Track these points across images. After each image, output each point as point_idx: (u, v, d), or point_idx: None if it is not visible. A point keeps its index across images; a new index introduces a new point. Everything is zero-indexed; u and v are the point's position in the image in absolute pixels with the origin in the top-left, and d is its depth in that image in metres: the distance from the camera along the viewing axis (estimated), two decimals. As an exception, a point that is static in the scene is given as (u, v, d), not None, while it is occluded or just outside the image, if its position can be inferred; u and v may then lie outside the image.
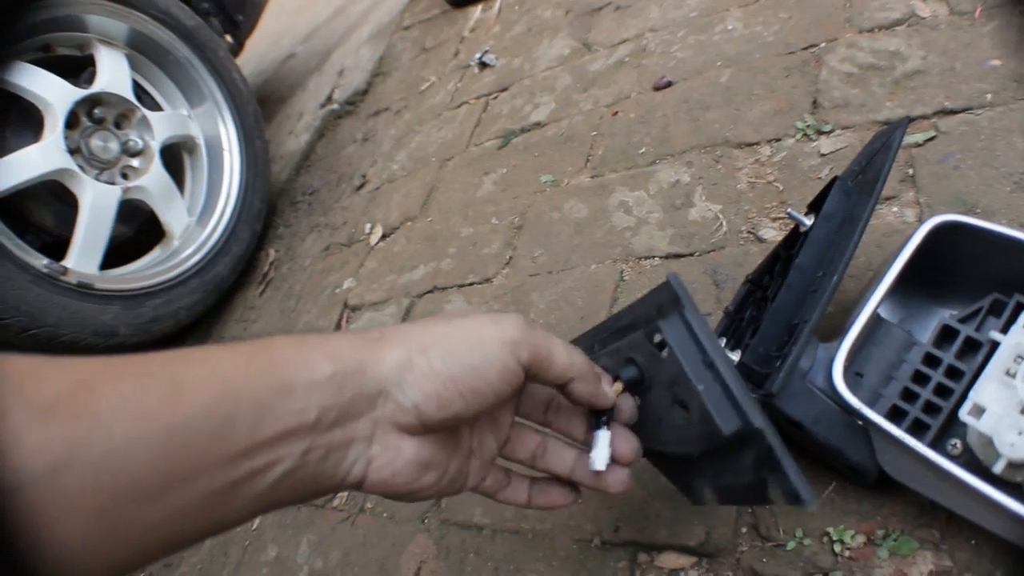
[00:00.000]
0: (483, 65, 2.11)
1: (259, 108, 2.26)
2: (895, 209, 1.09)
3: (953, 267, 0.84)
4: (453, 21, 2.58)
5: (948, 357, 0.80)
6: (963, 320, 0.82)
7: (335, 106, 2.63)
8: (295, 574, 1.29)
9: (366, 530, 1.27)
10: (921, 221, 0.97)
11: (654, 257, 1.25)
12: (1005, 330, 0.77)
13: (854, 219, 0.80)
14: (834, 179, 0.85)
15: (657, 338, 0.65)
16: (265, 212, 2.20)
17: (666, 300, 0.63)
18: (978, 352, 0.79)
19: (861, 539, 0.84)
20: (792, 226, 0.91)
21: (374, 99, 2.52)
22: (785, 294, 0.82)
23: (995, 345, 0.77)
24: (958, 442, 0.78)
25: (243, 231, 2.10)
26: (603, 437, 0.67)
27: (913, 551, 0.82)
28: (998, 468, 0.70)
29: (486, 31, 2.31)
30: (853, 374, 0.82)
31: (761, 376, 0.79)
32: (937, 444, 0.78)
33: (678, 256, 1.23)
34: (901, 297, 0.89)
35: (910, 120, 1.15)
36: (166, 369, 0.46)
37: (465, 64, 2.20)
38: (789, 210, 0.85)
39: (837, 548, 0.85)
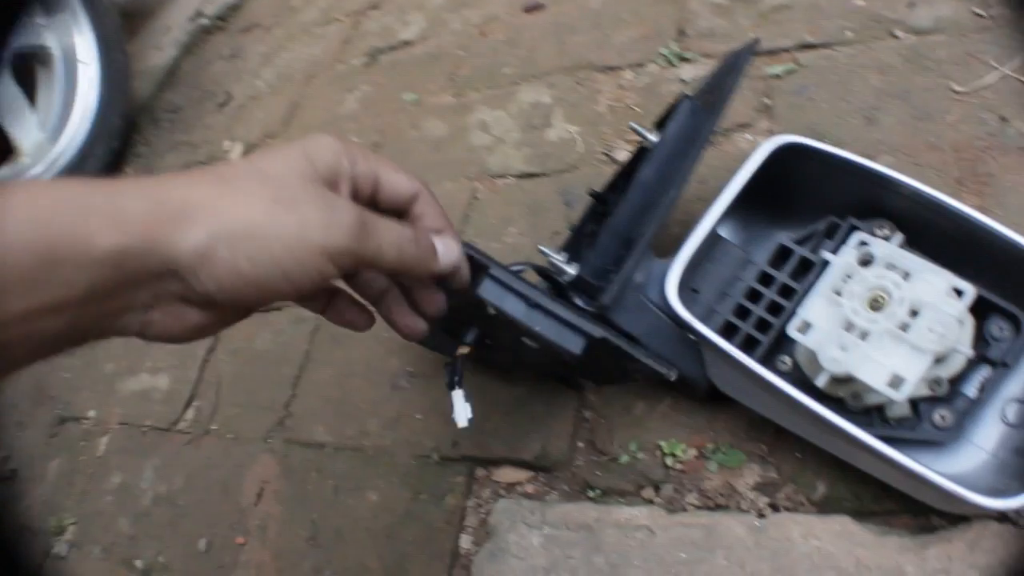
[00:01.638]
0: (357, -18, 2.05)
1: (121, 20, 2.13)
2: (748, 136, 1.10)
3: (794, 190, 0.86)
4: (329, -63, 2.49)
5: (782, 276, 0.81)
6: (800, 242, 0.83)
7: (204, 21, 2.50)
8: (139, 499, 1.26)
9: (210, 452, 1.25)
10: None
11: (508, 176, 1.25)
12: (837, 251, 0.78)
13: (698, 137, 0.80)
14: (681, 97, 0.84)
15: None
16: (124, 129, 2.08)
17: (475, 269, 0.65)
18: (811, 272, 0.80)
19: (692, 452, 0.87)
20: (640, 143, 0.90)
21: (246, 14, 2.41)
22: (624, 209, 0.81)
23: (827, 265, 0.78)
24: (788, 359, 0.80)
25: (99, 148, 1.98)
26: (457, 396, 0.72)
27: (740, 463, 0.84)
28: (821, 382, 0.72)
29: (362, -52, 2.23)
30: (689, 290, 0.83)
31: (596, 289, 0.79)
32: (768, 360, 0.80)
33: (532, 175, 1.22)
34: (745, 220, 0.90)
35: (772, 52, 1.16)
36: None
37: (340, -20, 2.12)
38: (633, 124, 0.84)
39: (669, 461, 0.87)
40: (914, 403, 0.75)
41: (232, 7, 2.48)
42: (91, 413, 1.45)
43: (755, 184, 0.82)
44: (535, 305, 0.67)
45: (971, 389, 0.76)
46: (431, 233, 0.59)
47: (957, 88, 1.05)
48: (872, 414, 0.75)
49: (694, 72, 1.23)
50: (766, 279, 0.82)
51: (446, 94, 1.49)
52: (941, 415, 0.74)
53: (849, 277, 0.75)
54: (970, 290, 0.71)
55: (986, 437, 0.75)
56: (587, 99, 1.29)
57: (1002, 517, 0.74)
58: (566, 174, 1.19)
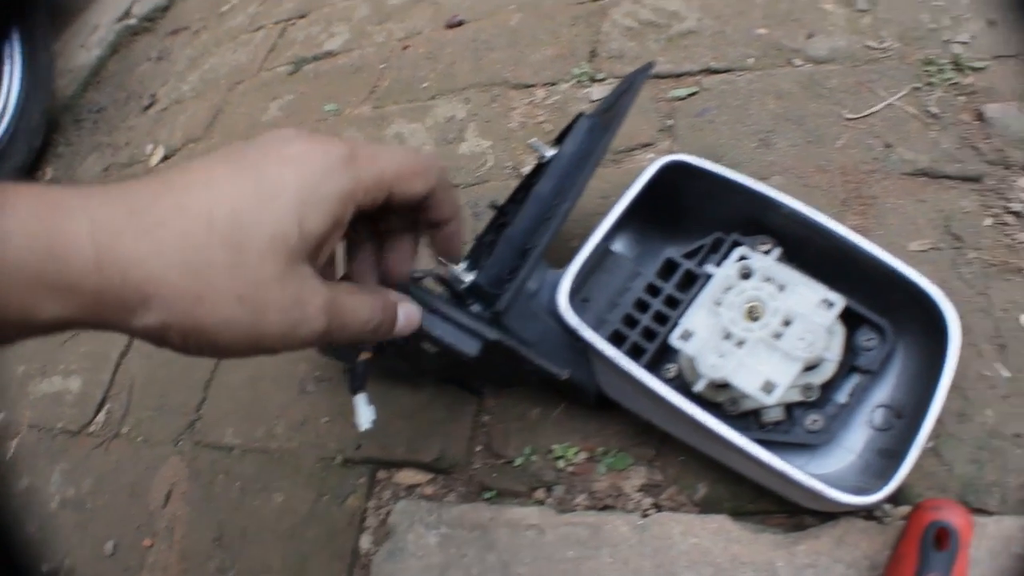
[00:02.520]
0: (286, -10, 2.06)
1: (48, 16, 2.11)
2: (650, 155, 1.15)
3: (683, 207, 0.90)
4: (263, -57, 2.49)
5: (668, 288, 0.85)
6: (688, 256, 0.87)
7: (133, 21, 2.49)
8: (46, 504, 1.25)
9: (119, 455, 1.24)
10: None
11: (421, 188, 1.26)
12: (720, 265, 0.83)
13: (593, 153, 0.84)
14: (579, 115, 0.89)
15: None
16: (46, 128, 2.07)
17: None
18: (696, 285, 0.84)
19: (583, 456, 0.90)
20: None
21: (174, 17, 2.40)
22: (520, 220, 0.85)
23: (710, 278, 0.82)
24: (672, 366, 0.84)
25: (19, 146, 1.96)
26: (360, 400, 0.71)
27: (628, 466, 0.87)
28: (699, 387, 0.76)
29: (295, -44, 2.25)
30: (581, 300, 0.86)
31: (492, 296, 0.82)
32: (653, 368, 0.83)
33: (444, 188, 1.24)
34: (639, 235, 0.94)
35: (677, 75, 1.21)
36: None
37: (269, -12, 2.14)
38: (531, 141, 0.88)
39: (560, 464, 0.90)
40: (788, 408, 0.80)
41: (161, 8, 2.47)
42: (1, 415, 1.44)
43: (646, 201, 0.86)
44: (432, 310, 0.71)
45: (842, 395, 0.81)
46: (394, 299, 0.58)
47: (848, 115, 1.11)
48: (749, 418, 0.80)
49: (603, 92, 1.27)
50: (654, 291, 0.87)
51: (366, 105, 1.51)
52: (813, 419, 0.79)
53: (729, 289, 0.80)
54: (839, 301, 0.77)
55: (854, 440, 0.81)
56: (500, 115, 1.33)
57: (868, 515, 0.79)
58: (476, 187, 1.23)
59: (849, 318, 0.81)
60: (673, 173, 0.87)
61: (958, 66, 1.13)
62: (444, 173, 0.57)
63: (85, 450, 1.29)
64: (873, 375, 0.81)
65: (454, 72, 1.46)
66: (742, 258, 0.82)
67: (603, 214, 0.84)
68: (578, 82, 1.31)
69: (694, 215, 0.91)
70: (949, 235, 0.97)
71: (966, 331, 0.86)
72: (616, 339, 0.84)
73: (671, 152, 1.12)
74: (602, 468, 0.89)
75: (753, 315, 0.78)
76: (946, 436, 0.82)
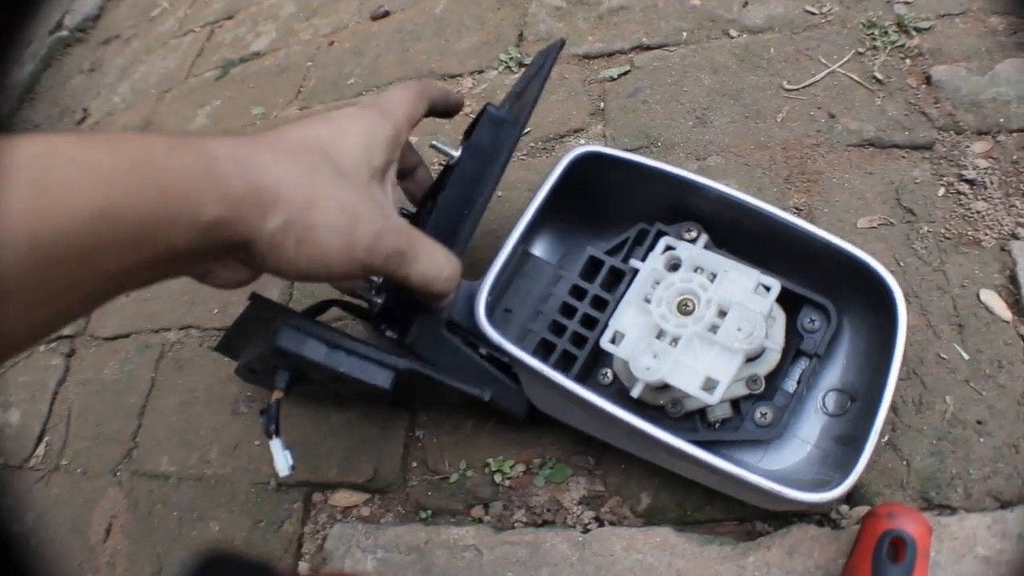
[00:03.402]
0: (214, -10, 2.00)
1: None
2: (582, 141, 1.10)
3: (603, 200, 0.85)
4: (193, -57, 2.43)
5: (594, 288, 0.80)
6: (610, 252, 0.82)
7: (65, 33, 2.42)
8: (-9, 543, 1.20)
9: (60, 488, 1.19)
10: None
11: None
12: (645, 258, 0.77)
13: (503, 149, 0.78)
14: (484, 107, 0.82)
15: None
16: (-20, 148, 2.00)
17: (269, 317, 0.71)
18: (623, 282, 0.79)
19: (520, 469, 0.85)
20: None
21: (106, 25, 2.33)
22: (428, 232, 0.79)
23: (636, 273, 0.77)
24: (608, 371, 0.79)
25: (-48, 168, 1.89)
26: (275, 445, 0.72)
27: (567, 478, 0.83)
28: (636, 392, 0.71)
29: (224, -46, 2.18)
30: (503, 310, 0.81)
31: (405, 321, 0.77)
32: (589, 375, 0.79)
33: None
34: (560, 234, 0.89)
35: (608, 55, 1.16)
36: (36, 164, 0.39)
37: (198, -11, 2.07)
38: (434, 143, 0.82)
39: (497, 478, 0.86)
40: (735, 403, 0.75)
41: (92, 18, 2.41)
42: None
43: (563, 197, 0.81)
44: (335, 346, 0.69)
45: (790, 383, 0.76)
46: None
47: (788, 86, 1.06)
48: (695, 418, 0.75)
49: (531, 78, 1.22)
50: (580, 292, 0.81)
51: (293, 106, 1.45)
52: (762, 412, 0.74)
53: (657, 283, 0.74)
54: (776, 285, 0.72)
55: (809, 429, 0.76)
56: (427, 108, 1.27)
57: (822, 519, 0.74)
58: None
59: (789, 300, 0.76)
60: (587, 165, 0.82)
61: (902, 27, 1.09)
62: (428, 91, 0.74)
63: (27, 484, 1.23)
64: (820, 358, 0.77)
65: (380, 66, 1.40)
66: (668, 248, 0.77)
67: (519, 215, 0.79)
68: (506, 67, 1.25)
69: (615, 207, 0.85)
70: (900, 208, 0.92)
71: (923, 312, 0.83)
72: (545, 349, 0.79)
73: (603, 136, 1.07)
74: (540, 481, 0.83)
75: (685, 309, 0.73)
76: (904, 428, 0.77)
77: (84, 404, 1.26)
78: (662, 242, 0.78)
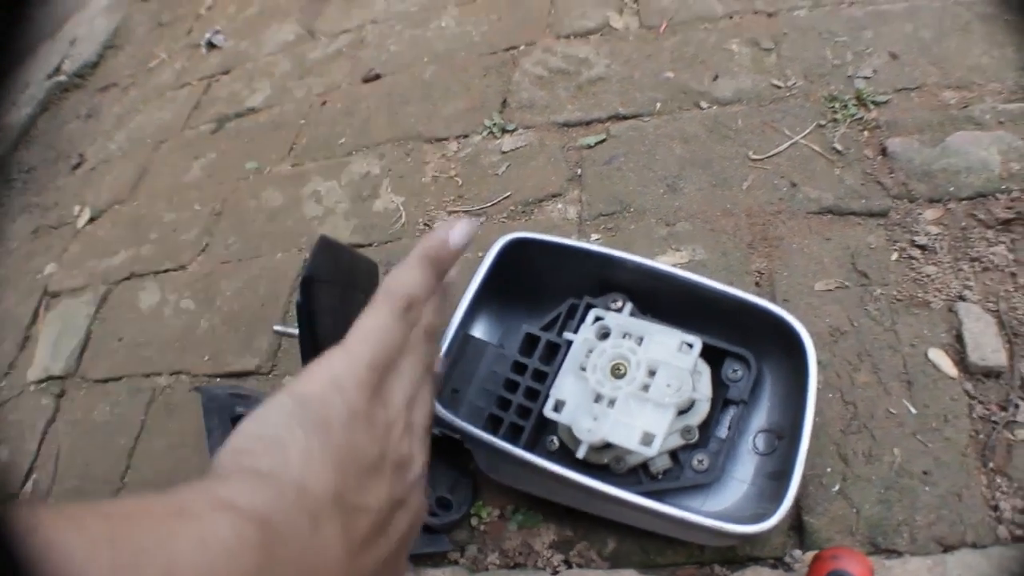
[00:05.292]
0: (211, 46, 2.05)
1: (-20, 76, 2.09)
2: (559, 206, 1.15)
3: (536, 281, 0.91)
4: (192, -3, 2.49)
5: (533, 362, 0.85)
6: (545, 327, 0.88)
7: (63, 78, 2.46)
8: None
9: (48, 526, 1.21)
10: (581, 218, 1.04)
11: (337, 247, 1.26)
12: (577, 330, 0.83)
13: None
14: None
15: None
16: (-25, 189, 2.04)
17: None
18: (559, 353, 0.84)
19: (495, 513, 0.89)
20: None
21: (104, 73, 2.38)
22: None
23: (570, 345, 0.83)
24: (555, 438, 0.83)
25: (-53, 210, 1.93)
26: None
27: (538, 523, 0.87)
28: (581, 453, 0.76)
29: (222, 10, 2.24)
30: (451, 391, 0.87)
31: None
32: (536, 443, 0.83)
33: (359, 246, 1.25)
34: (500, 315, 0.95)
35: (587, 123, 1.22)
36: None
37: (196, 43, 2.13)
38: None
39: (474, 522, 0.89)
40: (674, 454, 0.80)
41: (91, 64, 2.45)
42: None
43: (498, 281, 0.88)
44: None
45: (722, 430, 0.82)
46: None
47: (753, 156, 1.13)
48: (638, 472, 0.80)
49: (513, 143, 1.28)
50: (521, 368, 0.86)
51: (285, 163, 1.51)
52: (699, 460, 0.79)
53: (591, 351, 0.80)
54: (697, 342, 0.78)
55: (744, 470, 0.82)
56: (414, 170, 1.33)
57: (776, 562, 0.79)
58: (389, 244, 1.23)
59: (712, 354, 0.83)
60: (516, 250, 0.89)
61: (861, 101, 1.15)
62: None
63: (14, 524, 1.25)
64: (747, 404, 0.83)
65: (369, 127, 1.46)
66: (597, 319, 0.83)
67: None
68: (490, 133, 1.32)
69: (547, 286, 0.92)
70: (856, 272, 0.98)
71: (874, 369, 0.88)
72: (494, 423, 0.84)
73: (580, 201, 1.13)
74: (513, 525, 0.88)
75: (618, 372, 0.79)
76: (853, 478, 0.82)
77: (73, 444, 1.29)
78: (591, 314, 0.84)
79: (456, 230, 0.57)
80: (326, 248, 0.58)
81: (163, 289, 1.38)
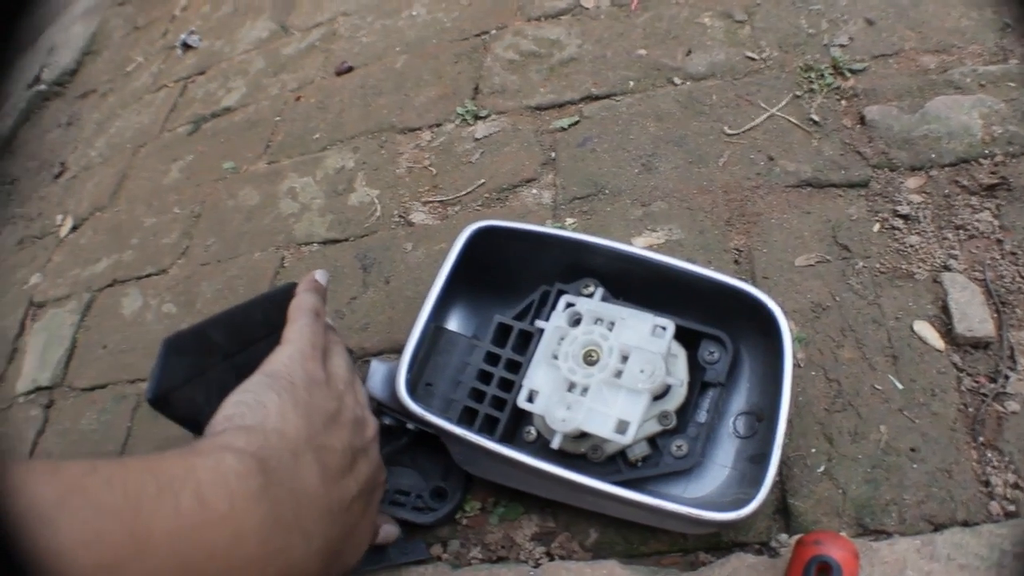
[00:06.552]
0: (186, 47, 2.04)
1: (-37, 88, 2.08)
2: (534, 191, 1.13)
3: (507, 269, 0.90)
4: (167, -2, 2.47)
5: (506, 352, 0.84)
6: (518, 316, 0.86)
7: (43, 87, 2.45)
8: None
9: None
10: (556, 202, 1.03)
11: (313, 243, 1.26)
12: (549, 317, 0.82)
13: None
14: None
15: None
16: (-39, 203, 2.03)
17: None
18: (531, 343, 0.83)
19: (477, 507, 0.88)
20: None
21: (83, 80, 2.37)
22: None
23: (542, 333, 0.82)
24: (532, 428, 0.82)
25: (-64, 223, 1.92)
26: None
27: (519, 515, 0.86)
28: (556, 443, 0.75)
29: (196, 10, 2.22)
30: (424, 385, 0.85)
31: None
32: (513, 436, 0.82)
33: (335, 241, 1.24)
34: (473, 307, 0.94)
35: (559, 105, 1.21)
36: None
37: (172, 45, 2.11)
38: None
39: (457, 516, 0.88)
40: (652, 440, 0.78)
41: (69, 72, 2.44)
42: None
43: (468, 271, 0.86)
44: None
45: (702, 414, 0.80)
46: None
47: (729, 131, 1.11)
48: (617, 461, 0.78)
49: (487, 130, 1.27)
50: (494, 359, 0.85)
51: (261, 161, 1.49)
52: (678, 445, 0.78)
53: (563, 339, 0.79)
54: (670, 325, 0.77)
55: (724, 454, 0.80)
56: (388, 161, 1.31)
57: (761, 547, 0.78)
58: (365, 238, 1.21)
59: (687, 337, 0.81)
60: (485, 238, 0.87)
61: (838, 70, 1.14)
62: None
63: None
64: (724, 386, 0.81)
65: (343, 120, 1.45)
66: (568, 305, 0.82)
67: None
68: (463, 121, 1.30)
69: (517, 273, 0.90)
70: (837, 246, 0.96)
71: (858, 345, 0.87)
72: (468, 416, 0.83)
73: (554, 185, 1.12)
74: (495, 519, 0.87)
75: (591, 359, 0.77)
76: (839, 457, 0.81)
77: (63, 454, 1.28)
78: (563, 300, 0.83)
79: (318, 273, 0.79)
80: (174, 351, 0.64)
81: (145, 294, 1.37)
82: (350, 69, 1.55)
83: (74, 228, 1.72)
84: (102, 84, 2.25)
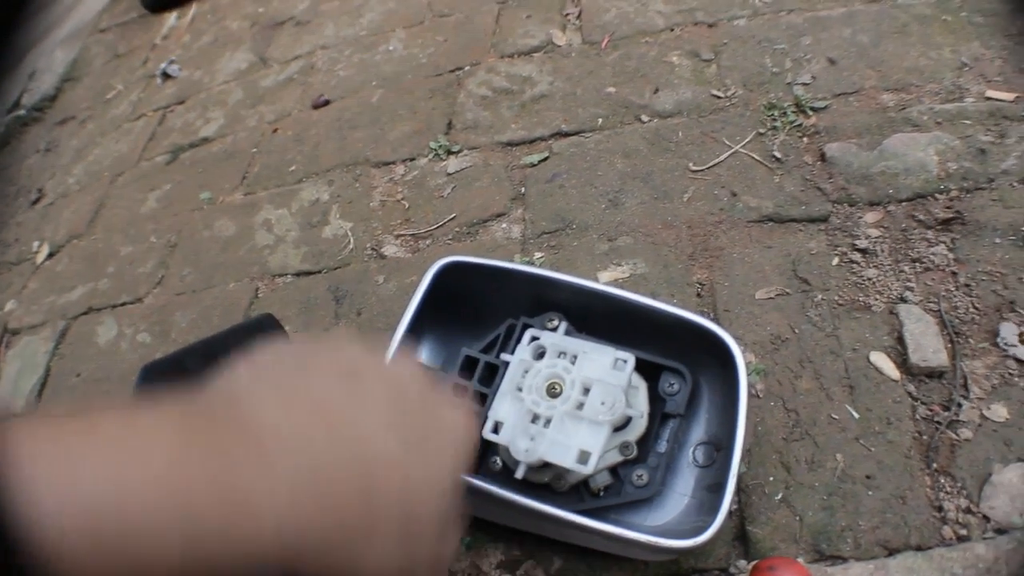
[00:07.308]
0: (166, 76, 2.05)
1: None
2: (504, 226, 1.16)
3: (473, 303, 0.92)
4: (148, 27, 2.47)
5: (472, 384, 0.85)
6: (485, 349, 0.88)
7: (22, 112, 2.46)
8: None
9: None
10: (524, 237, 1.05)
11: (287, 275, 1.27)
12: (514, 351, 0.84)
13: None
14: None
15: None
16: (-62, 228, 2.03)
17: None
18: (497, 375, 0.84)
19: (445, 537, 0.89)
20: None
21: (62, 106, 2.38)
22: None
23: (507, 365, 0.83)
24: (497, 459, 0.83)
25: (-87, 248, 1.92)
26: None
27: (485, 544, 0.87)
28: (519, 473, 0.76)
29: (177, 39, 2.24)
30: None
31: None
32: (481, 466, 0.83)
33: (308, 273, 1.25)
34: (443, 339, 0.95)
35: (530, 142, 1.23)
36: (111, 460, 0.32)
37: (152, 73, 2.13)
38: None
39: (425, 548, 0.89)
40: (614, 470, 0.80)
41: (49, 98, 2.45)
42: None
43: (437, 305, 0.88)
44: None
45: (662, 444, 0.82)
46: None
47: (693, 167, 1.14)
48: (580, 490, 0.80)
49: (459, 164, 1.30)
50: (461, 390, 0.87)
51: (238, 192, 1.51)
52: (639, 475, 0.79)
53: (527, 372, 0.81)
54: (630, 358, 0.78)
55: (684, 483, 0.82)
56: (362, 195, 1.34)
57: (721, 572, 0.80)
58: (338, 270, 1.23)
59: (648, 370, 0.83)
60: (452, 274, 0.89)
61: (800, 107, 1.17)
62: None
63: None
64: (684, 417, 0.83)
65: (319, 153, 1.47)
66: (533, 339, 0.83)
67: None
68: (436, 155, 1.33)
69: (486, 307, 0.92)
70: (797, 279, 0.99)
71: (816, 376, 0.89)
72: None
73: (524, 220, 1.14)
74: (461, 548, 0.88)
75: (554, 391, 0.78)
76: (796, 485, 0.83)
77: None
78: (528, 333, 0.84)
79: None
80: (151, 378, 0.62)
81: (120, 323, 1.38)
82: (327, 102, 1.57)
83: (50, 255, 1.73)
84: (81, 111, 2.25)
